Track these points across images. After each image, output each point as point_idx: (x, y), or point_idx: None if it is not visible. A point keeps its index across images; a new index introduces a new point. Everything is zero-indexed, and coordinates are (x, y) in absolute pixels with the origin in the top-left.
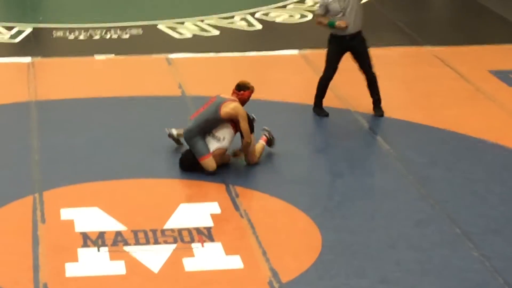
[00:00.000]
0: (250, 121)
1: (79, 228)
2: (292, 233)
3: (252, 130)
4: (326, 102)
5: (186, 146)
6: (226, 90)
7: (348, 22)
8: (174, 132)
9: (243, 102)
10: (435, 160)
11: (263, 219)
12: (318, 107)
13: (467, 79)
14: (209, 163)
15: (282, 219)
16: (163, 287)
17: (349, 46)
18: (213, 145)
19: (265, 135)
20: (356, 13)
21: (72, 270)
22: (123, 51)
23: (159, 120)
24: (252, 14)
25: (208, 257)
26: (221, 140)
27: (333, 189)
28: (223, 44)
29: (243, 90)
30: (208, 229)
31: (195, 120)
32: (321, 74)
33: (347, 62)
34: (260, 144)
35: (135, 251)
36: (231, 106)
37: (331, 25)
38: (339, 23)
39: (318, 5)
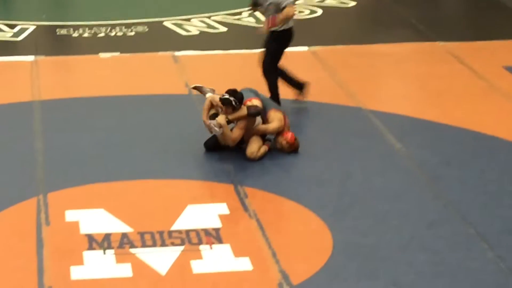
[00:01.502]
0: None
1: (85, 230)
2: (302, 235)
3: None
4: (337, 99)
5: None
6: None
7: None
8: (207, 95)
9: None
10: (448, 159)
11: (272, 220)
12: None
13: (481, 75)
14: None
15: (292, 220)
16: None
17: None
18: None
19: (269, 142)
20: (269, 12)
21: (77, 273)
22: (129, 49)
23: (165, 119)
24: None
25: (217, 259)
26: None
27: (344, 189)
28: (231, 41)
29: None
30: (217, 230)
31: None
32: (331, 71)
33: (356, 59)
34: (263, 147)
35: (141, 253)
36: (279, 117)
37: None
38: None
39: None
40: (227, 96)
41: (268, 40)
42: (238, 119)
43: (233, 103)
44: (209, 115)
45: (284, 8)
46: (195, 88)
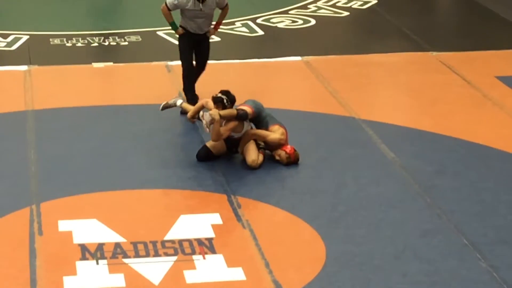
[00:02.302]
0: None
1: (78, 240)
2: (296, 244)
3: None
4: (330, 109)
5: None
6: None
7: None
8: (178, 103)
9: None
10: (441, 169)
11: (265, 230)
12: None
13: (474, 85)
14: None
15: (285, 230)
16: None
17: None
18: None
19: (263, 150)
20: (205, 13)
21: (70, 283)
22: (122, 58)
23: (158, 129)
24: (254, 20)
25: (210, 269)
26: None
27: (337, 199)
28: (224, 51)
29: None
30: (210, 240)
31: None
32: (324, 81)
33: (349, 68)
34: (260, 156)
35: (135, 263)
36: (282, 131)
37: None
38: None
39: None
40: (220, 95)
41: (205, 42)
42: (228, 117)
43: (225, 101)
44: (195, 116)
45: (225, 7)
46: (165, 108)
